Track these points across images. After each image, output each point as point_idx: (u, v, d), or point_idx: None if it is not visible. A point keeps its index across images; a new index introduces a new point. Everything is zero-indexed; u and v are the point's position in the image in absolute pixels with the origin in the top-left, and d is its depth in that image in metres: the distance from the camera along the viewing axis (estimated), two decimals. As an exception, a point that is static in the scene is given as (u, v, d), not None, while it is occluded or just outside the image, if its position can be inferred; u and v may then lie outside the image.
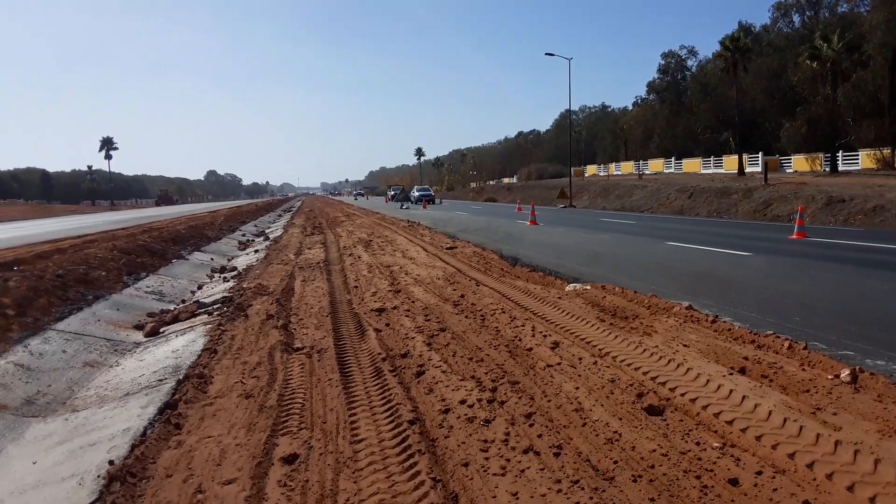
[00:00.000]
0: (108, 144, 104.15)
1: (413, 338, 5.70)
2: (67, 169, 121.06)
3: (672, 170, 57.32)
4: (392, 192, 76.20)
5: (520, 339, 5.37)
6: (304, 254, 13.47)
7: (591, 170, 75.50)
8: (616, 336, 5.18)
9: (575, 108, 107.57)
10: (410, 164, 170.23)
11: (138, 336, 7.18)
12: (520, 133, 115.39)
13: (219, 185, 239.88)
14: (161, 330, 7.29)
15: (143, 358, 6.04)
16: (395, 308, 7.09)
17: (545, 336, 5.42)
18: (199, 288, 10.66)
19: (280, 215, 41.55)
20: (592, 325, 5.62)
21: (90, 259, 11.09)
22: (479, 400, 3.93)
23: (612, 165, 69.59)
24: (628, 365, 4.43)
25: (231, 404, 4.21)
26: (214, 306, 8.17)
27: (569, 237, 15.96)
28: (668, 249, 12.72)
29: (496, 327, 5.88)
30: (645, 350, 4.73)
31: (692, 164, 54.58)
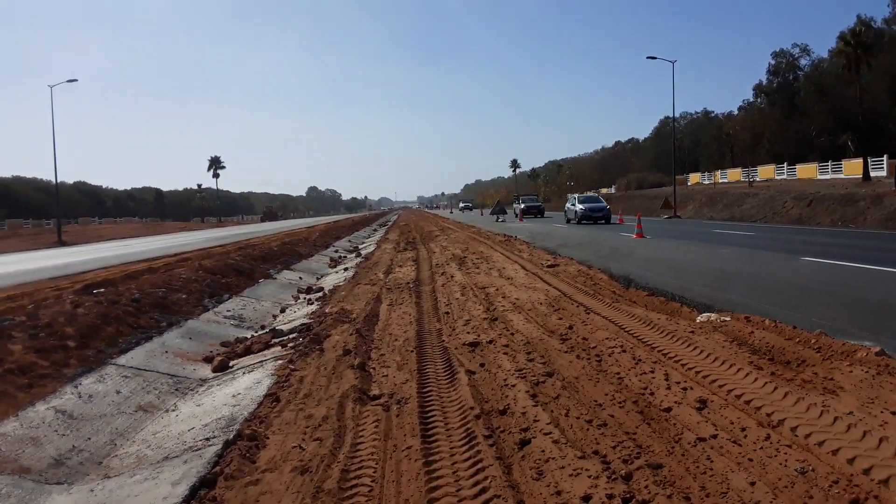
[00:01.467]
0: (215, 163, 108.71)
1: (513, 385, 4.60)
2: (179, 187, 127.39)
3: (785, 176, 53.40)
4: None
5: (651, 393, 4.17)
6: (394, 272, 12.63)
7: (694, 178, 71.90)
8: (786, 394, 3.89)
9: (676, 114, 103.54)
10: (506, 177, 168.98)
11: (206, 371, 6.43)
12: (617, 142, 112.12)
13: (319, 200, 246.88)
14: (231, 364, 6.52)
15: (201, 402, 5.23)
16: (491, 342, 6.01)
17: (685, 389, 4.19)
18: (282, 311, 9.97)
19: (375, 230, 41.42)
20: (747, 375, 4.34)
21: (174, 280, 10.63)
22: (611, 496, 2.79)
23: (718, 173, 65.94)
24: (819, 444, 3.15)
25: (280, 485, 3.25)
26: (291, 335, 7.37)
27: (684, 252, 14.39)
28: (809, 267, 11.03)
29: (617, 373, 4.69)
30: (836, 419, 3.43)
31: (807, 170, 50.61)
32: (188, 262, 14.53)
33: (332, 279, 13.56)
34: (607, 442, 3.40)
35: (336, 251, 21.84)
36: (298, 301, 10.85)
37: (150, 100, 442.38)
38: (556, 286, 9.06)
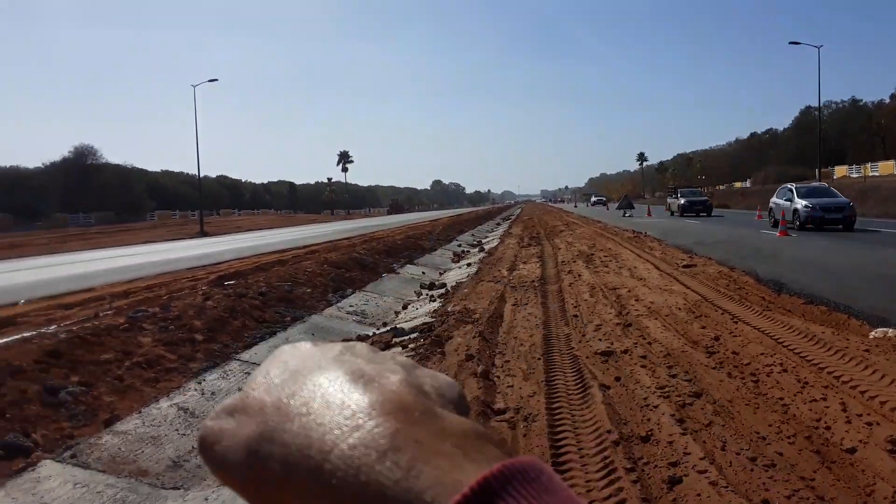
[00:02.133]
0: (344, 158, 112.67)
1: (655, 406, 4.07)
2: (311, 181, 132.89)
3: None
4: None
5: (827, 427, 3.53)
6: (518, 269, 12.21)
7: (840, 171, 66.35)
8: None
9: (820, 103, 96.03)
10: (631, 170, 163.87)
11: (326, 369, 6.30)
12: (753, 133, 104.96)
13: (443, 193, 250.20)
14: (350, 363, 6.35)
15: (319, 404, 5.07)
16: (626, 352, 5.48)
17: (869, 424, 3.51)
18: (404, 308, 9.81)
19: (498, 224, 41.11)
20: (949, 410, 3.59)
21: (299, 274, 10.74)
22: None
23: (868, 166, 60.46)
24: None
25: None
26: (412, 335, 7.13)
27: (840, 252, 12.97)
28: None
29: (780, 398, 4.05)
30: None
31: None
32: (315, 255, 14.79)
33: (455, 275, 13.33)
34: (779, 489, 2.84)
35: (459, 245, 21.69)
36: (421, 297, 10.66)
37: (284, 99, 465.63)
38: (694, 289, 8.32)
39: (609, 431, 3.66)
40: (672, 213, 39.70)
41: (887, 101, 72.38)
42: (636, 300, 7.90)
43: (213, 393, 5.06)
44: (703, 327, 6.13)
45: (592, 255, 13.68)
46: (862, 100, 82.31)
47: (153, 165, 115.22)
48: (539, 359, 5.56)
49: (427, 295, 10.60)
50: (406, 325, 8.04)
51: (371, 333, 7.88)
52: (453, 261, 16.68)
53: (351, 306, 9.37)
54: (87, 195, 58.64)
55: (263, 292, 8.77)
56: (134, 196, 64.74)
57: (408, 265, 14.34)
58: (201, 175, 48.36)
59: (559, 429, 3.85)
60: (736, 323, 6.17)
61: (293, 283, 9.92)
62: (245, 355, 6.18)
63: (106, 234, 39.94)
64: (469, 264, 14.68)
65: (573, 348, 5.80)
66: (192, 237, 37.11)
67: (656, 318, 6.73)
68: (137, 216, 62.76)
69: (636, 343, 5.75)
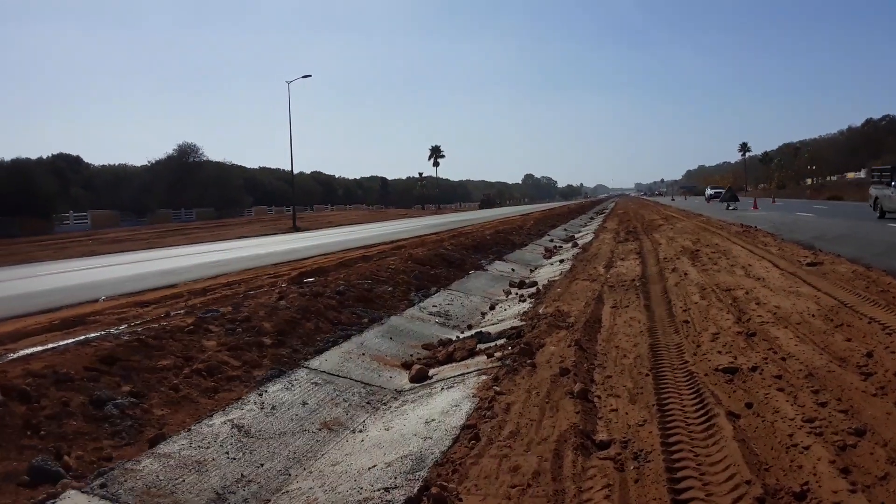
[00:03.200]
0: (435, 153, 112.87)
1: (806, 447, 3.19)
2: (403, 176, 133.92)
3: None
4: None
5: None
6: (615, 266, 11.26)
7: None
8: None
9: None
10: (732, 161, 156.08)
11: (402, 379, 5.68)
12: (868, 120, 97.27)
13: (535, 187, 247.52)
14: (430, 373, 5.71)
15: (391, 424, 4.43)
16: (755, 369, 4.56)
17: None
18: (492, 308, 9.10)
19: (592, 218, 39.73)
20: None
21: (381, 271, 10.21)
22: None
23: None
24: None
25: None
26: (498, 341, 6.42)
27: None
28: None
29: (979, 442, 3.09)
30: None
31: None
32: (400, 251, 14.31)
33: (547, 272, 12.50)
34: None
35: (551, 240, 20.77)
36: (510, 296, 9.93)
37: (377, 96, 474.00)
38: (827, 291, 7.19)
39: (749, 483, 2.83)
40: (883, 215, 21.20)
41: None
42: (757, 304, 6.87)
43: (273, 407, 4.51)
44: (849, 340, 5.11)
45: (698, 250, 12.52)
46: None
47: (251, 162, 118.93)
48: (647, 375, 4.73)
49: (517, 294, 9.85)
50: (493, 329, 7.33)
51: (454, 337, 7.22)
52: (545, 257, 15.83)
53: (434, 306, 8.75)
54: (189, 191, 60.87)
55: (341, 291, 8.26)
56: (232, 192, 66.69)
57: (497, 261, 13.62)
58: (296, 171, 49.31)
59: (680, 474, 3.04)
60: (890, 335, 5.11)
61: (374, 281, 9.40)
62: (314, 362, 5.63)
63: (205, 230, 41.18)
64: (562, 261, 13.81)
65: (687, 362, 4.93)
66: (284, 232, 37.73)
67: (786, 327, 5.73)
68: (235, 211, 64.73)
69: (766, 358, 4.81)
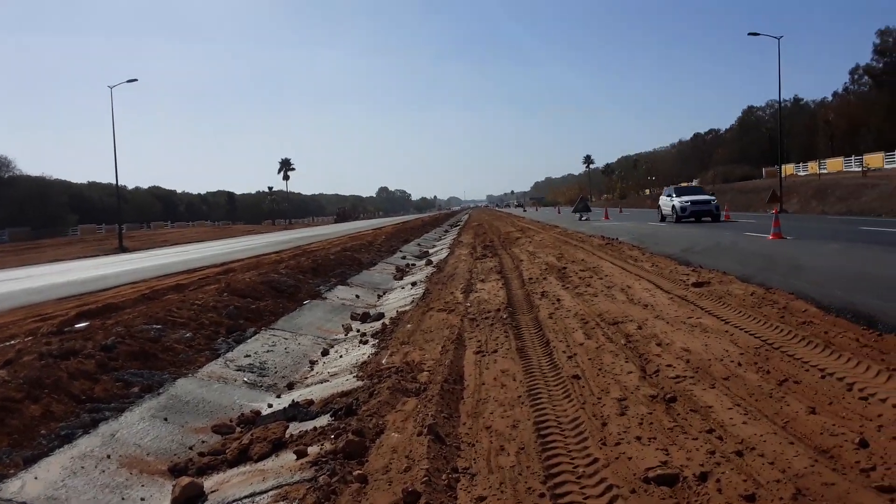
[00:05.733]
0: (285, 166, 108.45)
1: None
2: (252, 190, 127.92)
3: (897, 165, 47.63)
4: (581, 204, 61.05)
5: None
6: (475, 290, 9.59)
7: (787, 169, 66.11)
8: None
9: (760, 102, 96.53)
10: (576, 173, 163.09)
11: (162, 500, 3.56)
12: (696, 134, 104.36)
13: (389, 200, 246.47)
14: (206, 488, 3.62)
15: None
16: (701, 478, 2.90)
17: None
18: (325, 353, 7.11)
19: (446, 231, 38.52)
20: None
21: (183, 308, 7.89)
22: None
23: (815, 163, 60.17)
24: None
25: None
26: (319, 421, 4.44)
27: (866, 260, 10.67)
28: None
29: None
30: None
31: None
32: (228, 276, 11.92)
33: (397, 298, 10.64)
34: None
35: (403, 257, 18.98)
36: (349, 334, 7.98)
37: (222, 106, 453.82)
38: (737, 324, 5.81)
39: None
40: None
41: (830, 98, 72.62)
42: (658, 345, 5.35)
43: None
44: (813, 411, 3.59)
45: (565, 268, 11.16)
46: (803, 98, 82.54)
47: (78, 177, 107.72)
48: (544, 495, 2.93)
49: (357, 332, 7.90)
50: (318, 392, 5.35)
51: (265, 406, 5.17)
52: (396, 278, 13.97)
53: (247, 356, 6.61)
54: (0, 210, 53.92)
55: (110, 345, 5.92)
56: (54, 209, 59.90)
57: (339, 286, 11.57)
58: (133, 186, 44.49)
59: None
60: (867, 400, 3.64)
61: (169, 324, 7.09)
62: (13, 485, 3.39)
63: (12, 253, 35.87)
64: (414, 283, 12.00)
65: (598, 461, 3.20)
66: (108, 253, 33.56)
67: (712, 386, 4.18)
68: (58, 231, 58.02)
69: (711, 451, 3.17)
